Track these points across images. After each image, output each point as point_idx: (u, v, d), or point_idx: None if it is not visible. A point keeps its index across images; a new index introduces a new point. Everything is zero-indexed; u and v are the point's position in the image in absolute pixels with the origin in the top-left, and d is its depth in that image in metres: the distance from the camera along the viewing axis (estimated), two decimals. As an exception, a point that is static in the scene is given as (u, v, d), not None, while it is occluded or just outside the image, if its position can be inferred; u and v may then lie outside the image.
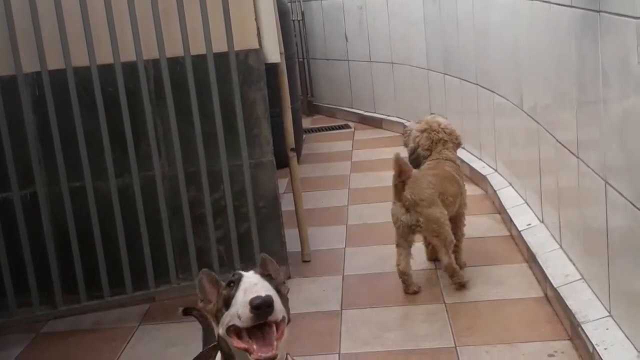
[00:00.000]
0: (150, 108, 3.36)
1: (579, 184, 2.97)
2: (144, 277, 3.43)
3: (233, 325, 1.61)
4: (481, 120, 5.04)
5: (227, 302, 1.63)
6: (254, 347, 1.59)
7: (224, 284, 1.72)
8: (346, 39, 7.58)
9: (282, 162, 3.97)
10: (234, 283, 1.64)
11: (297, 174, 3.97)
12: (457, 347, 2.93)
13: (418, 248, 3.73)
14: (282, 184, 4.82)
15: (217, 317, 1.66)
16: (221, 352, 1.72)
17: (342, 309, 3.38)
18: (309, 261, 3.93)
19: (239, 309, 1.58)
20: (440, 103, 5.93)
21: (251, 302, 1.56)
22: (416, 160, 3.73)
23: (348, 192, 5.25)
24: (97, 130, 3.29)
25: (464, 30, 5.15)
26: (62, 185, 3.29)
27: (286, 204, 4.24)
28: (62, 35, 3.20)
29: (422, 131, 3.74)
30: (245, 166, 3.51)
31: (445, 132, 3.73)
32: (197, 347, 3.03)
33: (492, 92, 4.65)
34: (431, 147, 3.71)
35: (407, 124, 6.38)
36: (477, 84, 4.98)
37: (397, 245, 3.46)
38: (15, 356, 3.20)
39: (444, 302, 3.36)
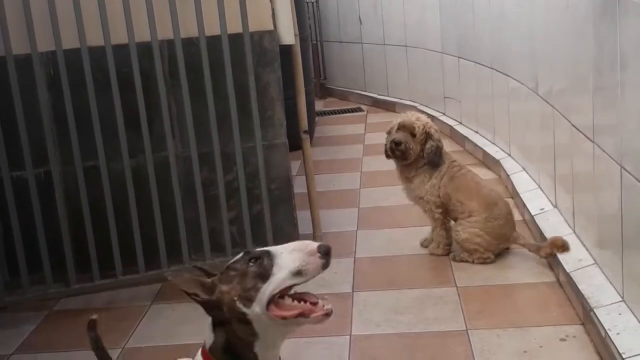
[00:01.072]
0: (165, 89, 3.36)
1: (594, 169, 2.96)
2: (156, 256, 3.44)
3: (277, 292, 1.55)
4: (495, 105, 5.02)
5: (264, 276, 1.56)
6: (317, 304, 1.57)
7: (214, 274, 1.65)
8: (360, 21, 7.54)
9: (295, 145, 3.97)
10: (259, 258, 1.58)
11: (309, 156, 3.96)
12: (469, 330, 2.93)
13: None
14: (295, 166, 4.82)
15: (248, 297, 1.56)
16: (224, 348, 1.62)
17: (353, 291, 3.39)
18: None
19: (300, 264, 1.54)
20: (454, 87, 5.91)
21: (319, 248, 1.55)
22: (441, 156, 3.60)
23: (360, 175, 5.25)
24: (111, 111, 3.29)
25: (480, 13, 5.11)
26: (76, 164, 3.30)
27: (298, 186, 4.25)
28: (77, 15, 3.20)
29: (430, 126, 3.63)
30: (258, 148, 3.50)
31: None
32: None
33: (507, 76, 4.62)
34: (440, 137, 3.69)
35: (405, 103, 6.39)
36: (492, 68, 4.95)
37: None
38: (28, 333, 3.23)
39: (456, 285, 3.36)
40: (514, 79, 4.48)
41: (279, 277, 1.55)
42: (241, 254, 1.64)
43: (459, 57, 5.72)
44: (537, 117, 3.99)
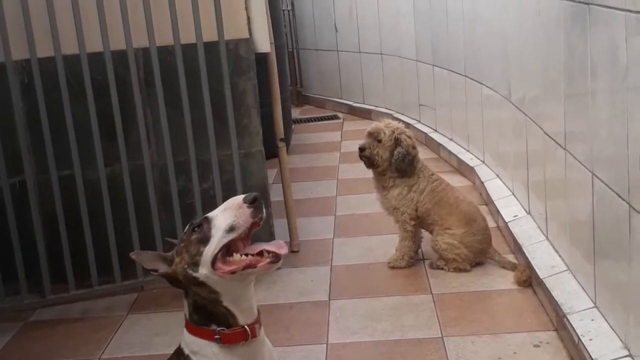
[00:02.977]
0: (140, 97, 3.35)
1: (566, 176, 3.00)
2: (132, 266, 3.42)
3: (219, 251, 1.65)
4: (469, 112, 5.06)
5: (204, 240, 1.68)
6: (266, 251, 1.67)
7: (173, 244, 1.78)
8: (336, 29, 7.58)
9: (271, 153, 3.98)
10: (200, 226, 1.70)
11: (286, 164, 3.97)
12: (444, 338, 2.96)
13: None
14: (271, 174, 4.83)
15: (194, 262, 1.68)
16: (195, 309, 1.72)
17: (330, 299, 3.40)
18: (297, 251, 3.94)
19: (232, 220, 1.65)
20: (429, 94, 5.95)
21: (245, 199, 1.66)
22: (410, 162, 3.54)
23: (337, 182, 5.27)
24: (87, 119, 3.28)
25: (453, 21, 5.16)
26: (51, 173, 3.28)
27: (275, 194, 4.25)
28: (51, 23, 3.19)
29: (402, 132, 3.57)
30: (234, 156, 3.51)
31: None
32: (186, 336, 3.05)
33: (481, 83, 4.67)
34: (414, 146, 3.61)
35: (380, 110, 6.40)
36: (466, 76, 5.00)
37: None
38: (3, 344, 3.19)
39: (431, 292, 3.38)
40: (487, 87, 4.52)
41: (217, 237, 1.66)
42: (187, 226, 1.76)
43: (433, 65, 5.77)
44: (510, 124, 4.04)
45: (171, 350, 2.90)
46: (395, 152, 3.55)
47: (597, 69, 2.52)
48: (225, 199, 3.45)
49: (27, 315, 3.44)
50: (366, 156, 3.59)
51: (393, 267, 3.67)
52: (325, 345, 2.98)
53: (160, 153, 3.48)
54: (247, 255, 1.68)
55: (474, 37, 4.76)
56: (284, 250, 1.69)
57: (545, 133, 3.28)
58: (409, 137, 3.60)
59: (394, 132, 3.57)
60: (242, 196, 1.68)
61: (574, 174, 2.87)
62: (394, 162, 3.55)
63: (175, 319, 3.27)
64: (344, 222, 4.44)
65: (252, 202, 1.66)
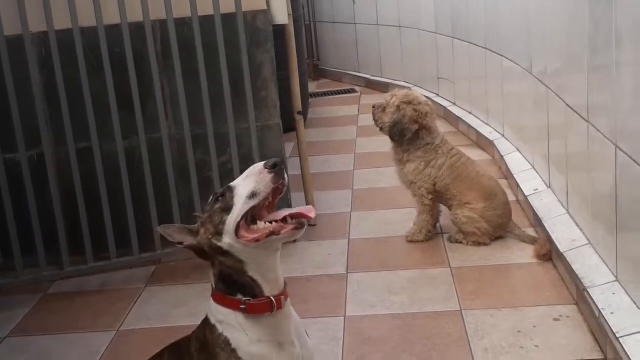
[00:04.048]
0: (158, 69, 3.33)
1: (588, 149, 2.95)
2: (150, 239, 3.43)
3: (243, 219, 1.64)
4: (489, 85, 5.01)
5: (227, 208, 1.66)
6: (289, 217, 1.66)
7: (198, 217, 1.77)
8: (353, 1, 7.51)
9: (288, 127, 3.95)
10: (223, 195, 1.69)
11: (303, 138, 3.95)
12: (463, 311, 2.94)
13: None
14: (288, 148, 4.81)
15: (218, 231, 1.67)
16: (221, 279, 1.71)
17: (347, 273, 3.39)
18: (315, 225, 3.93)
19: (253, 186, 1.63)
20: (448, 67, 5.89)
21: (266, 164, 1.65)
22: (400, 133, 3.52)
23: (354, 156, 5.24)
24: (104, 92, 3.27)
25: (474, -7, 5.09)
26: (69, 146, 3.28)
27: (292, 168, 4.24)
28: (68, -5, 3.17)
29: (408, 103, 3.54)
30: (252, 129, 3.49)
31: (428, 105, 3.60)
32: (203, 308, 3.05)
33: (501, 56, 4.61)
34: (418, 119, 3.52)
35: (398, 84, 6.36)
36: (486, 48, 4.94)
37: None
38: (22, 316, 3.22)
39: (450, 266, 3.36)
40: (508, 59, 4.46)
41: (239, 204, 1.65)
42: (211, 197, 1.75)
43: (452, 38, 5.70)
44: (531, 97, 3.98)
45: (189, 322, 2.94)
46: (387, 123, 3.56)
47: (622, 40, 2.47)
48: (242, 172, 3.45)
49: (45, 287, 3.46)
50: (373, 116, 3.66)
51: (411, 241, 3.66)
52: (343, 318, 2.98)
53: (177, 126, 3.47)
54: (270, 222, 1.66)
55: (495, 8, 4.69)
56: (312, 214, 1.66)
57: (568, 105, 3.23)
58: (415, 110, 3.52)
59: (398, 100, 3.55)
60: (263, 162, 1.66)
61: (597, 147, 2.83)
62: (387, 128, 3.57)
63: (194, 291, 3.30)
64: (362, 195, 4.42)
65: (273, 168, 1.64)
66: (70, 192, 3.35)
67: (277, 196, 1.67)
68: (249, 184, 1.65)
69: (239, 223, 1.65)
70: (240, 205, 1.64)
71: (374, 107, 3.69)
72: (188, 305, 3.16)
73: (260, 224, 1.66)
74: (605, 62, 2.66)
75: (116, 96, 3.28)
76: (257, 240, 1.64)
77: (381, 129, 3.65)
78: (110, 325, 3.06)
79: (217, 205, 1.69)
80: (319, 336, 2.80)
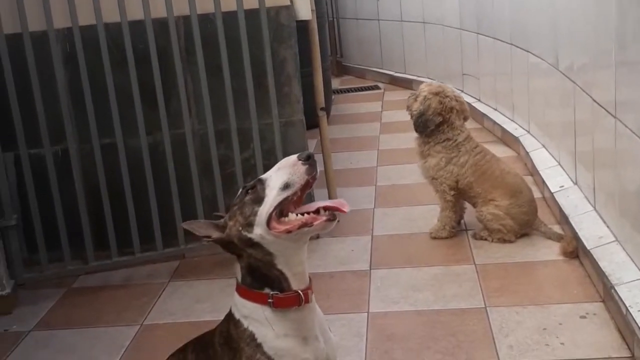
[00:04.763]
0: (181, 65, 3.34)
1: (615, 145, 2.91)
2: (174, 234, 3.44)
3: (274, 210, 1.63)
4: (514, 81, 4.96)
5: (258, 199, 1.65)
6: (322, 209, 1.64)
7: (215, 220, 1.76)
8: (377, -2, 7.48)
9: (311, 123, 3.94)
10: (253, 187, 1.68)
11: (326, 134, 3.93)
12: (487, 308, 2.91)
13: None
14: (311, 144, 4.80)
15: (249, 222, 1.66)
16: (249, 272, 1.70)
17: (371, 269, 3.38)
18: (337, 221, 3.90)
19: (286, 177, 1.62)
20: (473, 63, 5.84)
21: (299, 156, 1.64)
22: (424, 124, 3.50)
23: (377, 153, 5.22)
24: (128, 87, 3.28)
25: (499, -12, 5.05)
26: (93, 141, 3.30)
27: (315, 164, 4.22)
28: (92, -9, 3.18)
29: (435, 94, 3.52)
30: (275, 125, 3.48)
31: (457, 101, 3.56)
32: (226, 303, 3.06)
33: (527, 51, 4.56)
34: (442, 112, 3.50)
35: (422, 80, 6.32)
36: (512, 44, 4.89)
37: None
38: (46, 310, 3.24)
39: (474, 262, 3.34)
40: (534, 55, 4.42)
41: (271, 196, 1.63)
42: (240, 190, 1.73)
43: (477, 33, 5.66)
44: (557, 93, 3.94)
45: (212, 317, 2.94)
46: (415, 110, 3.56)
47: (651, 33, 2.43)
48: (265, 167, 3.47)
49: (70, 282, 3.48)
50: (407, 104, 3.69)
51: (435, 238, 3.63)
52: (366, 314, 2.96)
53: (201, 121, 3.47)
54: (302, 214, 1.64)
55: (520, 3, 4.64)
56: (346, 208, 1.64)
57: (595, 101, 3.18)
58: (440, 103, 3.50)
59: (427, 90, 3.54)
60: (296, 155, 1.65)
61: (625, 143, 2.78)
62: (413, 118, 3.57)
63: (217, 286, 3.30)
64: (385, 192, 4.40)
65: (307, 159, 1.63)
66: (94, 187, 3.37)
67: (306, 190, 1.66)
68: (281, 175, 1.64)
69: (270, 214, 1.63)
70: (273, 196, 1.63)
71: (409, 95, 3.71)
72: (211, 300, 3.17)
73: (292, 216, 1.64)
74: (633, 57, 2.62)
75: (140, 92, 3.29)
76: (289, 231, 1.63)
77: (411, 116, 3.63)
78: (134, 320, 3.07)
79: (248, 197, 1.67)
80: (342, 332, 2.79)
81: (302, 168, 1.62)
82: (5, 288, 3.24)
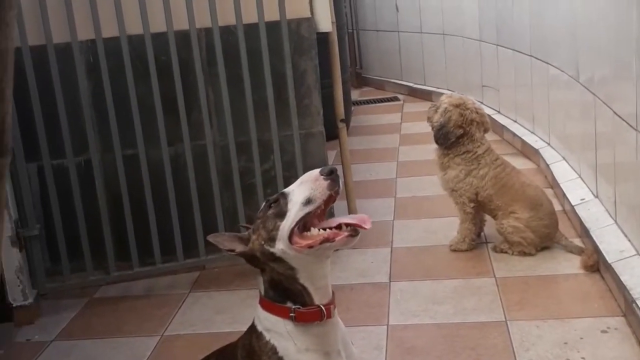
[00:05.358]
0: (203, 77, 3.36)
1: (637, 158, 2.90)
2: (194, 245, 3.46)
3: (296, 225, 1.63)
4: (534, 93, 4.95)
5: (280, 214, 1.65)
6: (344, 225, 1.64)
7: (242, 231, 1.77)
8: (397, 9, 7.49)
9: (331, 134, 3.94)
10: (276, 201, 1.68)
11: (346, 145, 3.94)
12: (508, 321, 2.90)
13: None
14: (331, 155, 4.81)
15: (271, 237, 1.66)
16: (271, 286, 1.70)
17: (390, 281, 3.37)
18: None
19: (309, 192, 1.62)
20: (493, 75, 5.84)
21: (322, 171, 1.63)
22: (444, 136, 3.49)
23: (397, 164, 5.22)
24: (150, 99, 3.31)
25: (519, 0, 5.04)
26: (116, 152, 3.33)
27: (335, 176, 4.22)
28: (116, 3, 3.22)
29: (456, 106, 3.51)
30: (295, 136, 3.50)
31: (477, 113, 3.54)
32: (247, 314, 3.07)
33: (547, 63, 4.55)
34: (463, 125, 3.49)
35: (442, 92, 6.32)
36: (532, 56, 4.88)
37: None
38: (68, 320, 3.27)
39: (494, 276, 3.32)
40: (554, 67, 4.40)
41: (293, 211, 1.64)
42: (263, 203, 1.73)
43: (497, 45, 5.65)
44: (577, 105, 3.92)
45: (233, 328, 2.95)
46: (436, 122, 3.55)
47: (673, 46, 2.42)
48: (285, 179, 3.49)
49: (92, 292, 3.51)
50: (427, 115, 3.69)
51: (455, 250, 3.62)
52: (386, 326, 2.96)
53: (222, 133, 3.49)
54: (324, 229, 1.64)
55: (540, 15, 4.64)
56: (367, 224, 1.64)
57: (616, 114, 3.17)
58: (461, 115, 3.49)
59: (447, 102, 3.53)
60: (319, 169, 1.65)
61: (646, 156, 2.77)
62: (434, 130, 3.57)
63: (237, 298, 3.31)
64: (404, 204, 4.40)
65: (329, 175, 1.63)
66: (116, 198, 3.40)
67: (329, 204, 1.66)
68: (304, 190, 1.64)
69: (292, 229, 1.64)
70: (295, 211, 1.63)
71: (430, 106, 3.71)
72: (231, 312, 3.18)
73: (314, 231, 1.64)
74: (655, 69, 2.61)
75: (162, 103, 3.32)
76: (310, 246, 1.63)
77: (432, 128, 3.63)
78: (154, 330, 3.09)
79: (270, 211, 1.68)
80: (361, 344, 2.79)
81: (324, 183, 1.62)
82: (28, 298, 3.27)
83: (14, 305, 3.25)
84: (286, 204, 1.65)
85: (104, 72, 3.25)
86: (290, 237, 1.64)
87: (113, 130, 3.30)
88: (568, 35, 4.03)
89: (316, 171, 1.65)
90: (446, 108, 3.52)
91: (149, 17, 3.25)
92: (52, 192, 3.32)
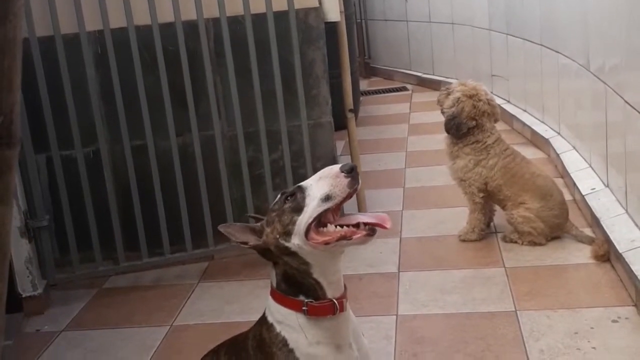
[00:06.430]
0: (211, 67, 3.36)
1: (648, 147, 2.88)
2: (203, 235, 3.46)
3: (313, 221, 1.60)
4: (545, 82, 4.92)
5: (298, 209, 1.63)
6: (363, 224, 1.60)
7: (254, 224, 1.74)
8: (405, -1, 7.46)
9: (339, 124, 3.93)
10: (293, 195, 1.65)
11: (354, 135, 3.93)
12: (517, 311, 2.89)
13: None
14: (339, 145, 4.80)
15: (287, 231, 1.64)
16: (284, 279, 1.69)
17: (399, 271, 3.37)
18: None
19: (328, 189, 1.59)
20: (502, 64, 5.80)
21: (342, 168, 1.60)
22: (456, 127, 3.47)
23: (405, 154, 5.21)
24: (158, 89, 3.30)
25: (529, -12, 5.01)
26: (124, 143, 3.33)
27: (344, 166, 4.21)
28: (123, -6, 3.21)
29: (469, 97, 3.48)
30: (303, 126, 3.49)
31: (489, 105, 3.51)
32: (255, 305, 3.07)
33: (557, 52, 4.52)
34: (476, 117, 3.47)
35: (450, 82, 6.29)
36: (542, 45, 4.85)
37: None
38: (78, 310, 3.28)
39: (504, 265, 3.31)
40: (564, 56, 4.37)
41: (312, 206, 1.61)
42: (278, 196, 1.71)
43: (507, 34, 5.62)
44: (588, 94, 3.90)
45: (242, 318, 2.96)
46: (447, 110, 3.52)
47: (685, 34, 2.39)
48: (294, 169, 3.49)
49: (101, 282, 3.52)
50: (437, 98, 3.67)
51: (464, 240, 3.61)
52: (395, 316, 2.96)
53: (230, 123, 3.49)
54: (342, 226, 1.61)
55: (550, 3, 4.60)
56: (388, 224, 1.61)
57: (627, 103, 3.14)
58: (474, 107, 3.46)
59: (461, 91, 3.50)
60: (339, 165, 1.61)
61: (658, 145, 2.75)
62: (445, 117, 3.54)
63: (246, 288, 3.31)
64: (413, 194, 4.39)
65: (350, 172, 1.59)
66: (125, 189, 3.40)
67: (346, 200, 1.63)
68: (323, 186, 1.60)
69: (310, 224, 1.61)
70: (313, 206, 1.60)
71: (442, 90, 3.69)
72: (240, 302, 3.18)
73: (331, 227, 1.61)
74: (667, 57, 2.58)
75: (170, 94, 3.31)
76: (327, 242, 1.60)
77: (442, 112, 3.60)
78: (164, 320, 3.09)
79: (287, 205, 1.65)
80: (370, 334, 2.78)
81: (344, 181, 1.59)
82: (38, 288, 3.28)
83: (23, 296, 3.26)
84: (304, 198, 1.62)
85: (112, 62, 3.25)
86: (306, 233, 1.61)
87: (121, 120, 3.30)
88: (578, 23, 4.00)
89: (336, 167, 1.62)
90: (459, 98, 3.49)
91: (157, 8, 3.24)
92: (61, 183, 3.32)
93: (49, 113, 3.24)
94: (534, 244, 3.44)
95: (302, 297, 1.67)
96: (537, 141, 4.93)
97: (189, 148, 3.43)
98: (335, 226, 1.61)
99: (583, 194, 3.71)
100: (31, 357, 2.91)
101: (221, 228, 1.73)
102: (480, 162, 3.51)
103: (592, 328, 2.71)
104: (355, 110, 4.95)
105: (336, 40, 3.79)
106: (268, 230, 1.68)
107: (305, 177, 3.50)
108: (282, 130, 3.46)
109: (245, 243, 1.71)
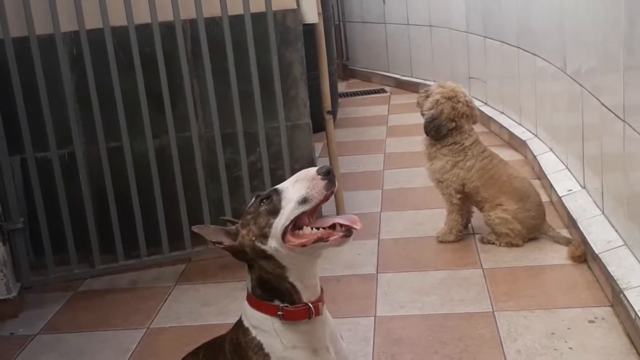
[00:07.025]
0: (188, 69, 3.33)
1: (624, 149, 2.90)
2: (180, 237, 3.44)
3: (290, 224, 1.60)
4: (522, 85, 4.95)
5: (274, 211, 1.62)
6: (338, 225, 1.60)
7: (229, 226, 1.73)
8: (383, 1, 7.47)
9: (318, 126, 3.93)
10: (269, 197, 1.65)
11: (333, 137, 3.93)
12: (495, 312, 2.90)
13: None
14: (317, 147, 4.79)
15: (263, 234, 1.63)
16: (259, 284, 1.68)
17: (377, 273, 3.37)
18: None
19: (305, 191, 1.59)
20: (480, 67, 5.83)
21: (319, 170, 1.60)
22: (436, 129, 3.47)
23: (384, 156, 5.21)
24: (135, 91, 3.28)
25: (506, -9, 5.04)
26: (100, 145, 3.30)
27: (322, 168, 4.21)
28: (99, -6, 3.18)
29: (448, 99, 3.49)
30: (281, 128, 3.48)
31: (468, 107, 3.53)
32: (233, 307, 3.06)
33: (534, 55, 4.55)
34: (455, 119, 3.48)
35: (428, 84, 6.32)
36: (519, 47, 4.88)
37: None
38: (53, 313, 3.24)
39: (482, 267, 3.32)
40: (541, 58, 4.40)
41: (288, 208, 1.61)
42: (253, 198, 1.70)
43: (484, 37, 5.65)
44: (565, 96, 3.92)
45: (219, 320, 2.94)
46: (426, 112, 3.53)
47: (660, 36, 2.41)
48: (271, 171, 3.47)
49: (76, 285, 3.48)
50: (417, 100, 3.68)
51: (442, 241, 3.62)
52: (373, 318, 2.95)
53: (207, 125, 3.47)
54: (318, 228, 1.61)
55: (527, 7, 4.63)
56: (358, 225, 1.60)
57: (603, 105, 3.17)
58: (453, 108, 3.47)
59: (440, 94, 3.50)
60: (315, 168, 1.61)
61: (634, 147, 2.77)
62: (424, 119, 3.55)
63: (223, 290, 3.29)
64: (391, 196, 4.39)
65: (326, 175, 1.59)
66: (101, 191, 3.37)
67: (322, 203, 1.63)
68: (300, 188, 1.60)
69: (286, 227, 1.60)
70: (290, 209, 1.60)
71: (421, 91, 3.70)
72: (217, 304, 3.16)
73: (307, 230, 1.61)
74: (642, 60, 2.61)
75: (146, 95, 3.29)
76: (303, 245, 1.60)
77: (422, 114, 3.60)
78: (140, 323, 3.06)
79: (263, 207, 1.64)
80: (348, 336, 2.78)
81: (321, 183, 1.59)
82: (12, 291, 3.23)
83: (-3, 299, 3.22)
84: (280, 201, 1.62)
85: (88, 64, 3.22)
86: (283, 236, 1.61)
87: (97, 122, 3.27)
88: (555, 27, 4.02)
89: (313, 170, 1.62)
90: (438, 100, 3.50)
91: (133, 8, 3.22)
92: (36, 185, 3.28)
93: (23, 114, 3.20)
94: (511, 245, 3.46)
95: (277, 302, 1.66)
96: (515, 143, 4.95)
97: (165, 150, 3.41)
98: (312, 228, 1.61)
99: (560, 195, 3.74)
100: (5, 361, 2.88)
101: (195, 229, 1.72)
102: (457, 164, 3.52)
103: (569, 328, 2.72)
104: (333, 112, 4.94)
105: (314, 42, 3.79)
106: (244, 232, 1.67)
107: (283, 179, 3.47)
108: (260, 132, 3.44)
109: (220, 243, 1.70)
